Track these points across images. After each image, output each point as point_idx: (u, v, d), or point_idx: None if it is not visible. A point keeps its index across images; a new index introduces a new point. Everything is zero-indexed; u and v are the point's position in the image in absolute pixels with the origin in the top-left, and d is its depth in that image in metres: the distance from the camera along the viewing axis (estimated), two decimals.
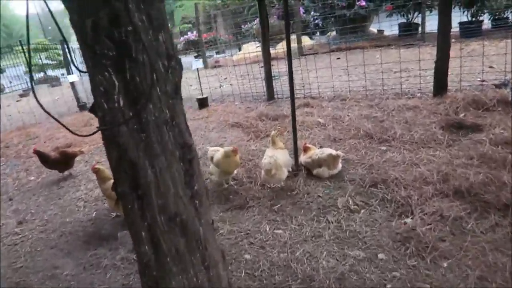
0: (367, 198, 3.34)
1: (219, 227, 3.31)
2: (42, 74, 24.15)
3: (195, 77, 9.88)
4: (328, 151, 3.84)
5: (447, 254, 2.53)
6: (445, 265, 2.45)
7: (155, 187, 1.66)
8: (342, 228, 3.00)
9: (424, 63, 6.40)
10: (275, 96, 7.40)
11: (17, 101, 15.31)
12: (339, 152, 3.80)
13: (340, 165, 3.87)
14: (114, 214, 3.91)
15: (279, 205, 3.48)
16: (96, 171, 3.88)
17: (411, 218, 2.94)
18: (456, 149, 3.94)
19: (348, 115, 5.52)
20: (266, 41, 6.97)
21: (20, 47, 22.01)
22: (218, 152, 3.91)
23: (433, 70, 5.67)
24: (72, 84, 10.16)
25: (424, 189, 3.25)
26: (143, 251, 1.72)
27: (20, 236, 3.90)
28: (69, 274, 3.10)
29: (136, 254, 1.86)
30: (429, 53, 8.65)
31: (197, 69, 7.68)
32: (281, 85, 7.72)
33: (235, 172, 4.16)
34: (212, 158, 4.04)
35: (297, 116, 5.81)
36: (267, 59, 7.00)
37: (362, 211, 3.18)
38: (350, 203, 3.30)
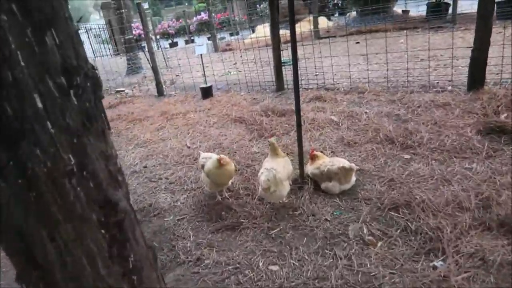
0: (385, 226, 2.70)
1: (203, 256, 2.75)
2: None
3: (205, 61, 9.29)
4: (340, 162, 3.20)
5: None
6: None
7: (60, 268, 1.09)
8: (352, 268, 2.39)
9: (456, 50, 5.56)
10: (285, 87, 6.70)
11: None
12: (352, 165, 3.14)
13: (353, 179, 3.23)
14: None
15: (277, 229, 2.89)
16: None
17: (442, 261, 2.30)
18: (499, 161, 3.22)
19: (365, 112, 4.81)
20: (276, 24, 6.23)
21: None
22: (209, 161, 3.32)
23: (466, 59, 4.87)
24: None
25: (459, 218, 2.59)
26: None
27: None
28: None
29: None
30: (461, 38, 7.74)
31: (200, 55, 7.03)
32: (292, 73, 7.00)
33: (230, 182, 3.57)
34: (203, 166, 3.47)
35: (307, 112, 5.17)
36: (277, 45, 6.27)
37: (379, 244, 2.55)
38: (364, 232, 2.67)
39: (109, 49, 23.74)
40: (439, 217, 2.63)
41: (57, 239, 1.05)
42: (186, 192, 3.75)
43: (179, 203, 3.59)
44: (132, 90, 9.60)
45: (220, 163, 3.15)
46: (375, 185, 3.22)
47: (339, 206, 3.04)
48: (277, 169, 3.00)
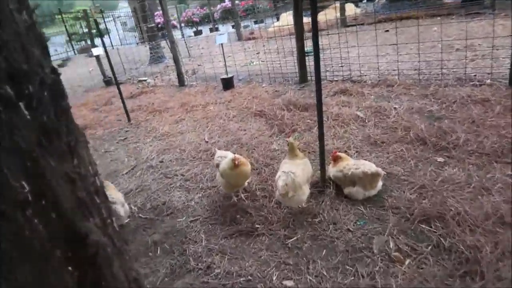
0: (414, 241, 2.44)
1: (214, 264, 2.59)
2: (82, 43, 24.32)
3: (226, 51, 9.07)
4: (365, 165, 2.93)
5: None
6: None
7: None
8: None
9: (495, 39, 5.07)
10: (309, 78, 6.39)
11: None
12: (379, 170, 2.87)
13: (380, 184, 2.96)
14: None
15: (295, 238, 2.68)
16: None
17: (481, 287, 2.02)
18: None
19: (394, 108, 4.47)
20: (299, 12, 5.90)
21: (60, 16, 22.19)
22: (224, 160, 3.14)
23: (507, 49, 4.41)
24: (97, 57, 9.70)
25: (500, 236, 2.29)
26: None
27: None
28: None
29: None
30: (501, 25, 7.10)
31: (221, 44, 6.80)
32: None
33: (247, 183, 3.39)
34: (218, 165, 3.29)
35: (331, 107, 4.87)
36: (300, 34, 5.95)
37: (407, 261, 2.30)
38: (391, 247, 2.42)
39: (134, 37, 23.96)
40: (477, 234, 2.34)
41: (13, 282, 0.88)
42: (201, 191, 3.60)
43: (193, 202, 3.44)
44: (154, 80, 9.54)
45: (234, 164, 2.96)
46: (403, 192, 2.93)
47: (363, 214, 2.79)
48: (295, 172, 2.77)
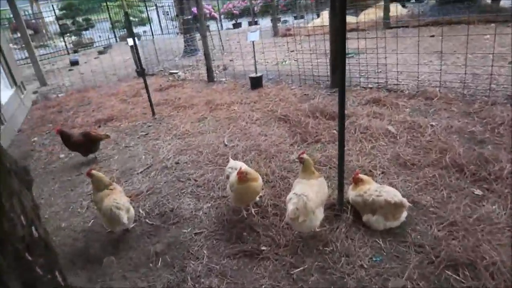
0: None
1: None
2: (124, 31, 24.94)
3: (259, 48, 8.83)
4: (389, 193, 2.62)
5: None
6: None
7: None
8: None
9: None
10: None
11: (95, 58, 15.82)
12: (404, 201, 2.55)
13: (403, 215, 2.64)
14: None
15: (301, 269, 2.43)
16: (90, 177, 3.20)
17: None
18: None
19: (431, 125, 4.05)
20: (336, 11, 5.52)
21: (105, 3, 22.86)
22: (234, 173, 2.93)
23: None
24: (131, 48, 9.77)
25: None
26: None
27: None
28: None
29: None
30: None
31: (253, 42, 6.57)
32: (353, 67, 6.23)
33: (258, 197, 3.17)
34: (228, 176, 3.09)
35: (361, 118, 4.52)
36: (334, 36, 5.58)
37: None
38: None
39: (175, 27, 24.25)
40: None
41: None
42: (211, 200, 3.42)
43: (201, 212, 3.27)
44: (185, 73, 9.49)
45: (239, 178, 2.74)
46: (430, 228, 2.59)
47: (381, 249, 2.49)
48: (308, 195, 2.51)
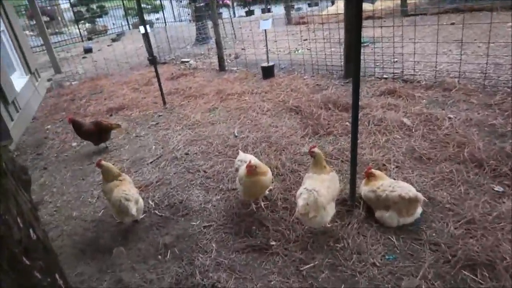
0: None
1: (220, 283, 2.37)
2: (137, 18, 24.89)
3: (272, 37, 8.66)
4: (403, 188, 2.52)
5: None
6: None
7: None
8: None
9: None
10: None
11: (108, 45, 15.84)
12: (419, 195, 2.45)
13: (418, 212, 2.54)
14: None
15: (311, 265, 2.38)
16: (100, 167, 3.19)
17: None
18: None
19: (449, 118, 3.90)
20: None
21: None
22: (243, 166, 2.87)
23: None
24: (143, 35, 9.72)
25: None
26: None
27: None
28: None
29: None
30: None
31: (265, 30, 6.44)
32: (368, 57, 6.04)
33: (268, 191, 3.11)
34: (237, 169, 3.04)
35: (375, 109, 4.39)
36: (349, 24, 5.40)
37: None
38: None
39: (188, 14, 24.06)
40: None
41: None
42: (220, 193, 3.38)
43: (210, 205, 3.23)
44: (196, 62, 9.41)
45: (248, 172, 2.68)
46: (447, 225, 2.49)
47: (394, 247, 2.41)
48: (319, 190, 2.44)
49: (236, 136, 4.47)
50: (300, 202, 2.41)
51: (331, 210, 2.55)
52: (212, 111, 5.54)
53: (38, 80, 8.76)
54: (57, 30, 21.38)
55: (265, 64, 6.67)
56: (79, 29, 20.61)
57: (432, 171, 3.10)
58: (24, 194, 0.88)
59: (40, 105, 7.73)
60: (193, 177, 3.74)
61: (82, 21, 22.30)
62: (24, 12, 18.73)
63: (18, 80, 7.23)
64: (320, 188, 2.47)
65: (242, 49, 9.79)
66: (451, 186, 2.89)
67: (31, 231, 0.89)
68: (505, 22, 6.97)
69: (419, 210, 2.55)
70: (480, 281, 2.05)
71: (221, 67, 7.98)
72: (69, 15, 23.00)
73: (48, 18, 20.25)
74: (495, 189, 2.77)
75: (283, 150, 3.89)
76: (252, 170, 2.69)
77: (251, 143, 4.16)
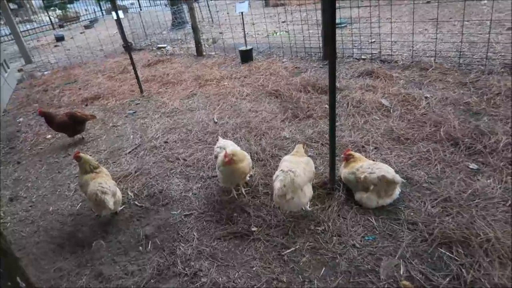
0: (430, 269, 2.08)
1: (202, 271, 2.35)
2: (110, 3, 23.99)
3: (249, 19, 8.50)
4: (381, 170, 2.54)
5: None
6: None
7: None
8: None
9: None
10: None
11: (81, 33, 15.24)
12: (397, 177, 2.47)
13: (397, 192, 2.58)
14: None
15: (292, 249, 2.39)
16: (78, 160, 3.08)
17: None
18: None
19: (426, 97, 3.94)
20: None
21: None
22: (221, 154, 2.82)
23: None
24: (116, 21, 9.38)
25: None
26: None
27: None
28: None
29: None
30: None
31: (241, 13, 6.30)
32: (345, 38, 6.03)
33: (249, 176, 3.09)
34: (216, 157, 2.99)
35: (354, 91, 4.39)
36: (325, 5, 5.33)
37: None
38: (401, 273, 2.08)
39: None
40: (508, 270, 1.95)
41: None
42: (200, 181, 3.34)
43: (190, 193, 3.19)
44: (173, 47, 9.18)
45: (226, 162, 2.64)
46: (424, 204, 2.54)
47: (373, 228, 2.44)
48: (296, 171, 2.43)
49: (215, 123, 4.41)
50: (277, 184, 2.39)
51: (308, 192, 2.54)
52: (190, 97, 5.43)
53: (7, 71, 8.37)
54: (26, 18, 20.41)
55: (243, 48, 6.56)
56: (49, 16, 19.72)
57: (409, 151, 3.14)
58: None
59: (11, 97, 7.41)
60: (172, 165, 3.68)
61: (52, 8, 21.32)
62: None
63: None
64: (296, 169, 2.46)
65: (220, 33, 9.60)
66: (428, 165, 2.93)
67: None
68: (480, 0, 7.04)
69: (398, 191, 2.59)
70: (456, 258, 2.10)
71: (199, 52, 7.81)
72: (38, 2, 21.95)
73: (15, 6, 19.28)
74: (470, 166, 2.83)
75: (263, 135, 3.86)
76: (229, 160, 2.65)
77: (231, 129, 4.11)
